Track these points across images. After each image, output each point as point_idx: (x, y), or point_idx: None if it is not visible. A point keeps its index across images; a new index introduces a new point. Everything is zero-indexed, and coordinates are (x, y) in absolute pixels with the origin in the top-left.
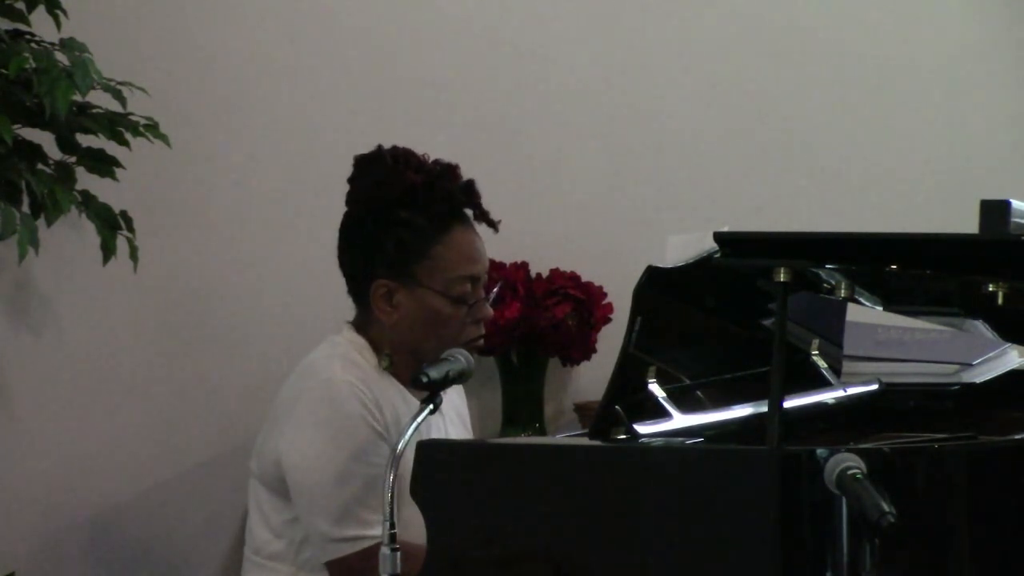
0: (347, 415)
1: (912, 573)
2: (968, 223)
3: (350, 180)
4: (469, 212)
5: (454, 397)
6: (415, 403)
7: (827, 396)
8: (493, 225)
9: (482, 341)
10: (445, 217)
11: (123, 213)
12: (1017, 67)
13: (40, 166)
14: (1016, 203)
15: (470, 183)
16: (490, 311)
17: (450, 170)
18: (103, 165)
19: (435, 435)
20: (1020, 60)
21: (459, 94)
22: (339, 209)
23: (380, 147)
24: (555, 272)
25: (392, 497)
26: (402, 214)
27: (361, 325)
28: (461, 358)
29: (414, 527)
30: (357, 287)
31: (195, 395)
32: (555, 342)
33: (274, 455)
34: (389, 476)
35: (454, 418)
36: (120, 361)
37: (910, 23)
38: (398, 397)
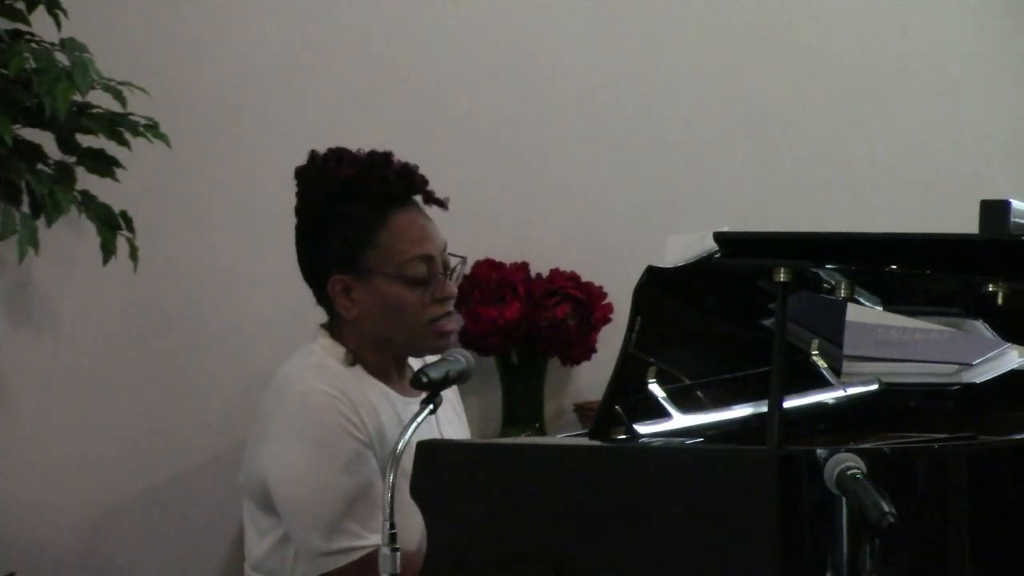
0: (326, 426)
1: (912, 573)
2: (968, 223)
3: (296, 194)
4: (418, 197)
5: (448, 393)
6: (398, 399)
7: (827, 396)
8: (442, 204)
9: (452, 323)
10: (383, 203)
11: (123, 213)
12: (1017, 67)
13: (40, 166)
14: (1016, 203)
15: (406, 167)
16: (453, 288)
17: (383, 157)
18: (103, 165)
19: (429, 435)
20: (1020, 60)
21: (459, 95)
22: None
23: (312, 151)
24: (555, 272)
25: (391, 497)
26: (340, 209)
27: (333, 329)
28: (461, 358)
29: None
30: (318, 291)
31: (195, 395)
32: (555, 342)
33: (259, 472)
34: (389, 476)
35: (451, 415)
36: (120, 361)
37: (910, 23)
38: (379, 397)
